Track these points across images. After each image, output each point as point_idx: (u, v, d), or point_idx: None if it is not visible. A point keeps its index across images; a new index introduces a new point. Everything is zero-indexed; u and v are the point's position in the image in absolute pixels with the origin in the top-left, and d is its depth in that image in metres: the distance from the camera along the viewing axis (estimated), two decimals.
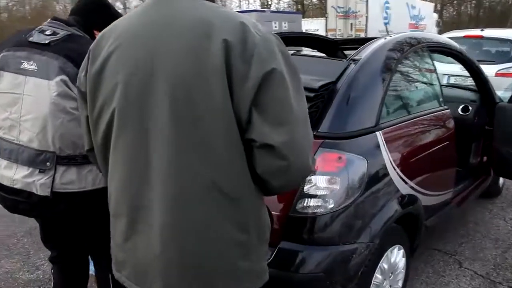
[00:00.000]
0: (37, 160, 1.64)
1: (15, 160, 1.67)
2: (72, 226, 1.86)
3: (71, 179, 1.62)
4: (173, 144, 1.01)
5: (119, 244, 1.15)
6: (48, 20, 1.77)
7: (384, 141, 2.00)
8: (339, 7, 15.99)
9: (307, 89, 1.94)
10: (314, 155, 1.84)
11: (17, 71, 1.65)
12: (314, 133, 1.85)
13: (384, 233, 1.95)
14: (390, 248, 2.08)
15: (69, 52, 1.62)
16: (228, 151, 1.02)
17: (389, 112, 2.18)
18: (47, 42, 1.65)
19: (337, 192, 1.81)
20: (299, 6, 30.67)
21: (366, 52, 2.17)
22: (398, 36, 2.39)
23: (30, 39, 1.68)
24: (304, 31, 19.68)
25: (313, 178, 1.82)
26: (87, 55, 1.13)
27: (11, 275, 2.84)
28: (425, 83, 2.60)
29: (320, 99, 1.92)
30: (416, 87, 2.51)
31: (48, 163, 1.64)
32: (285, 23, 18.16)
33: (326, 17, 16.71)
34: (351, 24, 15.56)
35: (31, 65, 1.65)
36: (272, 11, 21.51)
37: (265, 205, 1.18)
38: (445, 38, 2.97)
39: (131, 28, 1.07)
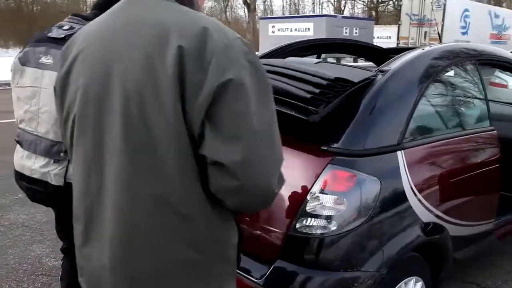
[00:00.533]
0: (52, 150, 1.73)
1: (34, 150, 1.77)
2: None
3: None
4: (123, 157, 0.97)
5: (78, 247, 1.14)
6: (68, 16, 1.84)
7: (405, 162, 1.83)
8: (413, 14, 15.31)
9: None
10: (322, 171, 1.73)
11: (37, 66, 1.75)
12: (326, 148, 1.79)
13: (396, 263, 1.78)
14: (405, 280, 1.89)
15: None
16: (180, 166, 0.96)
17: (418, 130, 1.99)
18: (62, 36, 1.72)
19: (342, 214, 1.68)
20: (373, 13, 29.81)
21: (397, 63, 2.01)
22: (439, 47, 2.19)
23: (49, 34, 1.77)
24: (375, 38, 19.13)
25: (317, 196, 1.70)
26: (59, 57, 1.13)
27: (39, 259, 3.00)
28: (468, 100, 2.35)
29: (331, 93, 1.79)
30: (457, 104, 2.28)
31: (62, 154, 1.72)
32: (356, 29, 17.77)
33: (399, 24, 16.08)
34: (425, 32, 14.83)
35: (48, 59, 1.74)
36: (344, 17, 21.11)
37: (232, 223, 1.10)
38: (502, 50, 2.67)
39: (97, 31, 1.05)
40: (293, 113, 1.78)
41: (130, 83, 0.95)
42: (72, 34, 1.70)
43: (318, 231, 1.68)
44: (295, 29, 21.23)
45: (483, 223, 2.34)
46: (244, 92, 0.93)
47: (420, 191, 1.85)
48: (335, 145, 1.78)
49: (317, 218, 1.70)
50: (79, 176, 1.08)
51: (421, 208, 1.87)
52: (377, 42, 18.12)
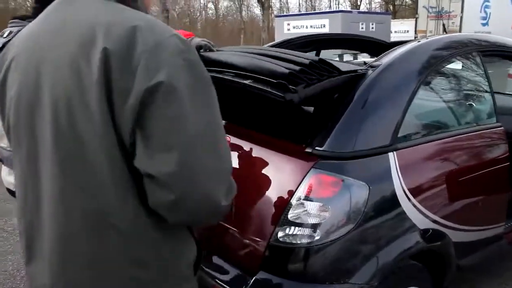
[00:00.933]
0: None
1: (11, 166, 1.70)
2: None
3: None
4: (56, 169, 0.90)
5: (25, 266, 1.07)
6: (10, 21, 1.79)
7: (397, 164, 1.69)
8: (431, 7, 14.90)
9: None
10: (305, 176, 1.61)
11: None
12: (310, 151, 1.67)
13: (389, 273, 1.65)
14: None
15: None
16: (113, 179, 0.88)
17: (413, 129, 1.85)
18: (1, 45, 1.66)
19: (326, 222, 1.56)
20: (390, 7, 29.26)
21: (389, 57, 1.87)
22: (436, 39, 2.04)
23: None
24: (393, 32, 18.74)
25: (300, 203, 1.59)
26: None
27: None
28: (470, 94, 2.18)
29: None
30: (457, 99, 2.12)
31: None
32: (372, 24, 17.43)
33: (417, 17, 15.69)
34: (443, 25, 14.40)
35: None
36: (360, 12, 20.78)
37: (185, 239, 1.01)
38: (504, 38, 2.47)
39: (29, 35, 0.98)
40: (268, 89, 1.60)
41: (58, 90, 0.88)
42: (8, 41, 1.65)
43: (302, 241, 1.57)
44: (311, 26, 21.00)
45: (491, 227, 2.17)
46: (177, 95, 0.84)
47: (415, 196, 1.71)
48: (319, 147, 1.66)
49: (300, 226, 1.58)
50: (18, 190, 1.01)
51: (416, 213, 1.72)
52: (394, 36, 17.75)
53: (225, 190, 0.91)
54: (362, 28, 17.16)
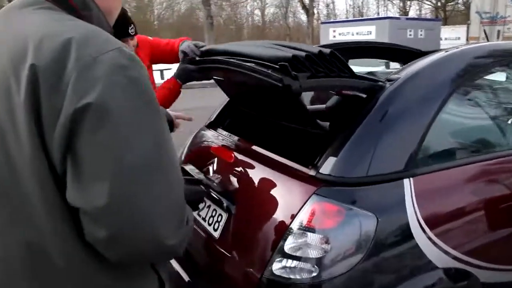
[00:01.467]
0: None
1: None
2: None
3: None
4: None
5: None
6: None
7: (413, 193, 1.48)
8: (484, 12, 14.16)
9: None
10: (305, 203, 1.45)
11: None
12: (313, 174, 1.50)
13: None
14: None
15: None
16: (47, 211, 0.79)
17: (434, 152, 1.63)
18: None
19: (326, 256, 1.39)
20: (441, 13, 28.13)
21: (410, 69, 1.67)
22: (467, 48, 1.80)
23: None
24: (443, 39, 17.99)
25: (297, 233, 1.42)
26: None
27: None
28: (507, 114, 1.92)
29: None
30: (490, 119, 1.86)
31: None
32: (421, 31, 16.94)
33: (468, 23, 14.98)
34: (498, 31, 13.62)
35: None
36: (408, 18, 20.14)
37: (138, 276, 0.90)
38: None
39: None
40: (268, 72, 1.44)
41: None
42: None
43: (297, 276, 1.40)
44: (357, 33, 20.63)
45: None
46: (110, 118, 0.73)
47: (431, 228, 1.50)
48: (324, 171, 1.49)
49: (297, 259, 1.41)
50: None
51: (434, 250, 1.50)
52: (444, 43, 17.01)
53: (173, 227, 0.80)
54: (410, 35, 16.67)
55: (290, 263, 1.42)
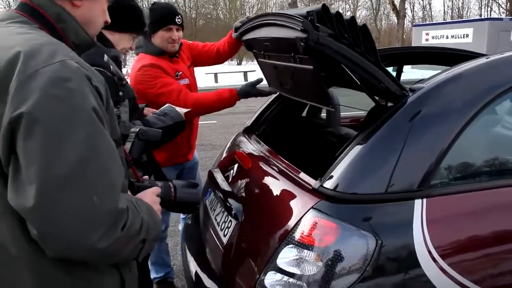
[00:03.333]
0: None
1: None
2: None
3: None
4: None
5: None
6: None
7: (424, 215, 1.34)
8: None
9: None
10: (302, 217, 1.39)
11: None
12: (316, 187, 1.43)
13: None
14: None
15: None
16: (2, 208, 0.89)
17: (455, 171, 1.47)
18: None
19: (317, 274, 1.31)
20: None
21: (436, 79, 1.52)
22: (502, 57, 1.59)
23: None
24: None
25: (291, 247, 1.37)
26: None
27: None
28: None
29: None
30: None
31: None
32: None
33: None
34: None
35: None
36: None
37: (96, 274, 0.98)
38: None
39: None
40: (292, 24, 1.44)
41: None
42: None
43: None
44: (452, 36, 19.31)
45: None
46: (41, 127, 0.80)
47: (443, 257, 1.34)
48: (326, 185, 1.42)
49: (287, 275, 1.36)
50: None
51: (446, 280, 1.34)
52: None
53: (103, 230, 0.84)
54: None
55: (282, 277, 1.37)
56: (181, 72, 2.45)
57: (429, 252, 1.33)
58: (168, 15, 2.34)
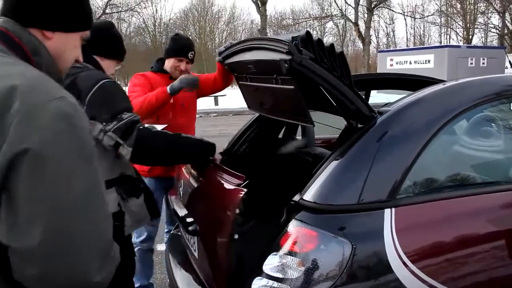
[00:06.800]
0: None
1: None
2: None
3: None
4: None
5: None
6: None
7: (393, 223, 1.50)
8: None
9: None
10: (286, 227, 1.52)
11: None
12: (297, 200, 1.57)
13: None
14: None
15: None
16: None
17: (422, 183, 1.64)
18: None
19: (298, 278, 1.44)
20: (507, 40, 26.81)
21: (400, 103, 1.71)
22: (465, 82, 1.80)
23: None
24: (509, 68, 17.12)
25: (275, 254, 1.50)
26: None
27: None
28: (501, 149, 1.87)
29: None
30: (483, 153, 1.83)
31: None
32: (483, 59, 16.32)
33: None
34: (510, 61, 12.77)
35: None
36: (469, 46, 19.47)
37: None
38: None
39: None
40: (275, 47, 1.60)
41: None
42: None
43: None
44: (415, 62, 20.15)
45: None
46: (47, 165, 0.80)
47: (414, 261, 1.49)
48: (306, 197, 1.56)
49: (272, 279, 1.48)
50: None
51: (416, 283, 1.49)
52: (510, 71, 16.17)
53: (98, 264, 0.85)
54: (471, 63, 16.09)
55: (267, 282, 1.49)
56: None
57: (400, 257, 1.48)
58: (184, 48, 2.68)
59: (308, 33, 1.57)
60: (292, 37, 1.58)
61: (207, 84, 2.83)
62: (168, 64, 2.72)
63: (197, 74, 2.92)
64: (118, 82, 2.11)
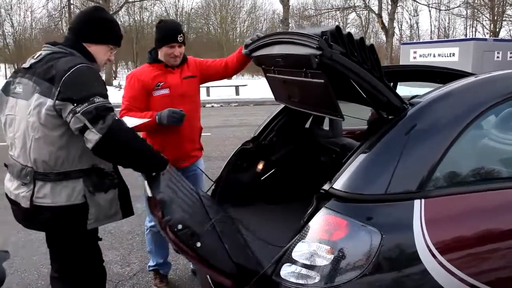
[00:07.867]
0: (21, 174, 1.82)
1: (12, 173, 1.90)
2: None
3: (45, 193, 1.77)
4: None
5: None
6: (43, 45, 1.94)
7: (422, 214, 1.51)
8: None
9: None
10: (315, 214, 1.54)
11: (13, 95, 1.89)
12: (326, 189, 1.60)
13: None
14: None
15: (42, 72, 1.76)
16: None
17: (452, 175, 1.64)
18: (28, 66, 1.83)
19: (327, 265, 1.46)
20: None
21: (433, 94, 1.70)
22: (499, 75, 1.78)
23: (23, 65, 1.90)
24: None
25: (304, 241, 1.52)
26: None
27: (108, 265, 3.27)
28: None
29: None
30: None
31: (28, 177, 1.79)
32: (511, 53, 15.92)
33: None
34: None
35: (20, 88, 1.85)
36: (496, 40, 18.97)
37: None
38: None
39: None
40: (305, 42, 1.63)
41: None
42: (35, 62, 1.80)
43: (299, 281, 1.49)
44: (439, 55, 19.76)
45: None
46: None
47: (442, 253, 1.50)
48: (336, 186, 1.58)
49: (300, 266, 1.51)
50: None
51: (445, 275, 1.50)
52: None
53: None
54: (498, 57, 15.75)
55: (296, 269, 1.52)
56: (163, 83, 2.64)
57: (428, 248, 1.49)
58: (172, 34, 2.59)
59: (337, 27, 1.58)
60: (322, 32, 1.59)
61: (217, 70, 2.81)
62: (161, 53, 2.66)
63: (208, 59, 2.90)
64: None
